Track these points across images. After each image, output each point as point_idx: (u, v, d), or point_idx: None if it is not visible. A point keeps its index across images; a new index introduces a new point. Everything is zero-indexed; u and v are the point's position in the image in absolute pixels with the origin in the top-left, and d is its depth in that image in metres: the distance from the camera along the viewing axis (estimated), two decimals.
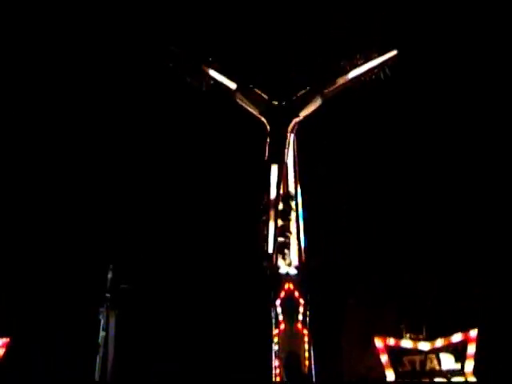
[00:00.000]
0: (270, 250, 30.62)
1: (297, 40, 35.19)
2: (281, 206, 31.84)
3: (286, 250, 31.26)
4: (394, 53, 33.46)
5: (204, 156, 36.78)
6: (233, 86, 33.23)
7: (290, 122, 32.44)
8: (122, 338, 32.59)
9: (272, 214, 31.30)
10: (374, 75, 33.23)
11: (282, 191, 31.99)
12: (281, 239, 31.29)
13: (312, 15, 36.01)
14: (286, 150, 32.04)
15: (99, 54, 37.25)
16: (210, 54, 33.51)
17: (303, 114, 32.75)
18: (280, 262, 31.46)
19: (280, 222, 31.54)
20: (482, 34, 36.56)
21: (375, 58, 33.24)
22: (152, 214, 35.80)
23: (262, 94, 32.96)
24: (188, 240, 35.52)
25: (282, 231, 31.16)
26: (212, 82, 33.35)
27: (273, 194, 31.86)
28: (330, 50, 34.29)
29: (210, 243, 35.30)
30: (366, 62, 33.26)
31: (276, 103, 32.81)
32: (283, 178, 32.05)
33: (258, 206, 32.28)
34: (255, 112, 32.87)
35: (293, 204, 32.10)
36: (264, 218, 31.15)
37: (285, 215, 31.66)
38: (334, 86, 33.18)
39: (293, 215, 31.99)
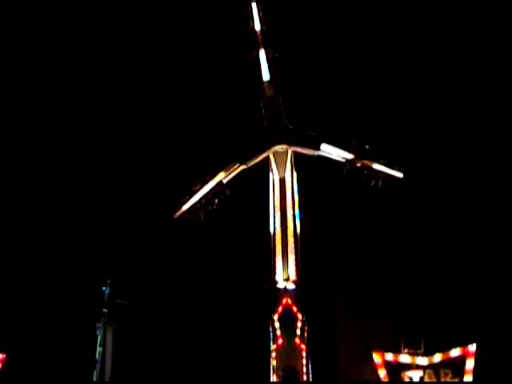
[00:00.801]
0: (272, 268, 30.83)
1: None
2: (280, 223, 32.05)
3: (285, 265, 31.35)
4: (399, 175, 33.03)
5: (202, 169, 36.76)
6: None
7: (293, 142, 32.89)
8: (119, 352, 32.47)
9: (271, 230, 31.54)
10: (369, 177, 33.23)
11: (281, 208, 32.14)
12: (279, 254, 31.43)
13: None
14: (286, 166, 32.46)
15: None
16: None
17: (295, 148, 33.14)
18: (278, 277, 31.46)
19: (279, 239, 31.69)
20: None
21: (382, 164, 33.01)
22: (150, 229, 35.70)
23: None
24: (186, 255, 35.41)
25: (282, 245, 31.29)
26: None
27: (272, 211, 32.06)
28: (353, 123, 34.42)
29: (209, 258, 35.22)
30: (371, 162, 33.00)
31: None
32: (282, 195, 32.33)
33: (257, 223, 32.53)
34: (268, 152, 33.27)
35: (291, 221, 32.19)
36: (264, 234, 31.37)
37: (284, 231, 31.80)
38: (331, 155, 33.27)
39: (291, 232, 32.05)
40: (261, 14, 34.48)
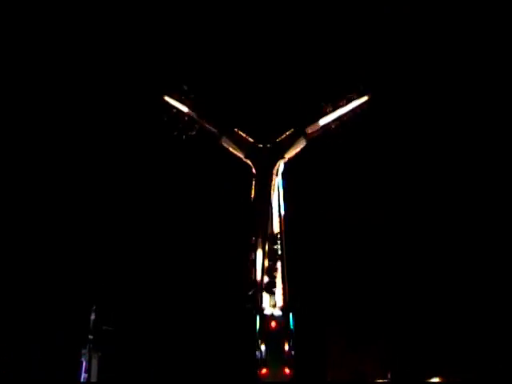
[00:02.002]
0: (255, 291, 30.57)
1: (280, 82, 35.54)
2: (267, 247, 31.93)
3: (273, 289, 31.23)
4: (365, 98, 33.70)
5: (189, 196, 36.71)
6: (217, 130, 33.40)
7: (276, 163, 32.63)
8: (104, 380, 32.22)
9: (258, 254, 31.42)
10: (354, 115, 33.56)
11: (268, 232, 32.04)
12: (267, 279, 31.30)
13: (294, 58, 36.36)
14: (271, 192, 32.17)
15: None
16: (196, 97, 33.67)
17: (288, 155, 32.95)
18: (265, 303, 31.35)
19: (266, 263, 31.57)
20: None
21: (353, 99, 33.59)
22: (135, 255, 35.60)
23: (247, 137, 33.12)
24: (172, 281, 35.30)
25: (269, 271, 31.14)
26: (198, 127, 33.46)
27: (259, 235, 31.91)
28: (313, 91, 34.57)
29: (194, 283, 35.10)
30: (346, 104, 33.63)
31: (261, 146, 33.00)
32: (269, 219, 32.20)
33: (243, 247, 32.33)
34: (241, 155, 33.02)
35: (278, 245, 32.13)
36: (250, 258, 31.16)
37: (271, 255, 31.68)
38: (317, 127, 33.43)
39: (278, 256, 31.99)
40: None
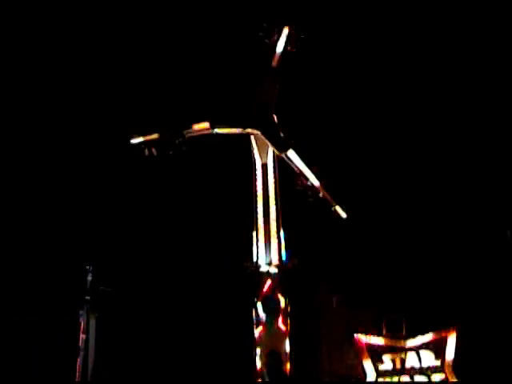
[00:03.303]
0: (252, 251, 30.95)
1: None
2: (262, 208, 32.19)
3: (267, 249, 31.53)
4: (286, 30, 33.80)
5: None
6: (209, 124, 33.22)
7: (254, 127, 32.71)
8: (102, 340, 32.45)
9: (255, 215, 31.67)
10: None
11: (263, 194, 32.24)
12: (262, 238, 31.62)
13: None
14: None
15: None
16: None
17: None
18: (260, 261, 31.62)
19: (261, 222, 31.82)
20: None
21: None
22: (131, 214, 35.73)
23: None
24: (168, 241, 35.49)
25: (264, 230, 31.42)
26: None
27: (255, 195, 32.12)
28: None
29: (191, 243, 35.30)
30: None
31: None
32: (264, 181, 32.44)
33: (239, 207, 32.56)
34: (241, 130, 33.01)
35: (273, 206, 32.35)
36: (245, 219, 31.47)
37: (266, 216, 31.95)
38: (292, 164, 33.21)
39: (274, 217, 32.21)
40: None
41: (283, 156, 32.88)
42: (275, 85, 33.38)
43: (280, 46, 33.78)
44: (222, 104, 33.73)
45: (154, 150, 31.92)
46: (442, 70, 37.37)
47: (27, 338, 34.14)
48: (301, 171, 32.83)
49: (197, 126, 32.72)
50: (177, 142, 32.09)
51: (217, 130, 32.88)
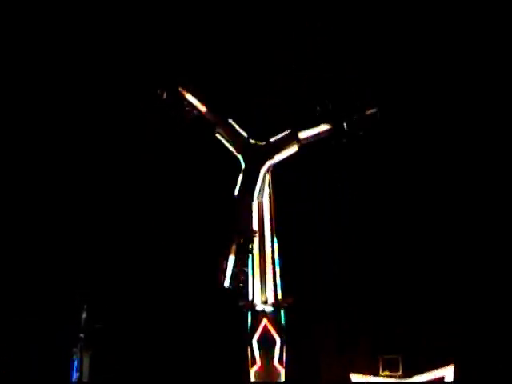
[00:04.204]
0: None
1: (284, 83, 35.55)
2: (258, 246, 32.01)
3: (263, 287, 31.36)
4: (373, 110, 32.77)
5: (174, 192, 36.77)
6: (214, 119, 33.28)
7: (264, 162, 32.58)
8: (96, 378, 32.26)
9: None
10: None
11: (246, 227, 31.90)
12: (257, 276, 31.47)
13: (302, 60, 36.34)
14: (256, 188, 32.10)
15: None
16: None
17: (278, 157, 32.88)
18: (256, 299, 31.43)
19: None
20: None
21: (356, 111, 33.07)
22: (125, 254, 35.65)
23: (241, 131, 33.08)
24: (164, 280, 35.39)
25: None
26: (194, 115, 33.38)
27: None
28: (314, 96, 34.26)
29: (186, 282, 35.18)
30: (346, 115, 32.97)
31: (254, 142, 32.97)
32: (260, 219, 32.30)
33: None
34: (233, 148, 32.97)
35: (269, 244, 32.21)
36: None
37: (262, 254, 31.78)
38: (310, 135, 33.16)
39: (269, 255, 32.05)
40: None
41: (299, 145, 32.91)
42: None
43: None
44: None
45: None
46: (442, 70, 37.25)
47: (20, 376, 33.93)
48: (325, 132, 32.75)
49: (195, 101, 32.96)
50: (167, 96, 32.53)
51: (218, 130, 32.90)
